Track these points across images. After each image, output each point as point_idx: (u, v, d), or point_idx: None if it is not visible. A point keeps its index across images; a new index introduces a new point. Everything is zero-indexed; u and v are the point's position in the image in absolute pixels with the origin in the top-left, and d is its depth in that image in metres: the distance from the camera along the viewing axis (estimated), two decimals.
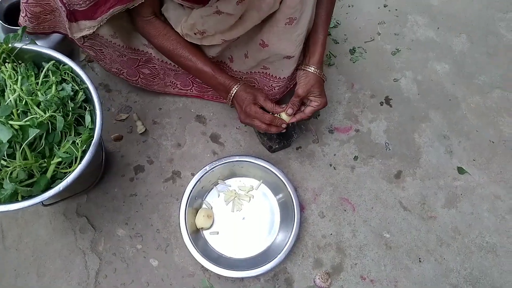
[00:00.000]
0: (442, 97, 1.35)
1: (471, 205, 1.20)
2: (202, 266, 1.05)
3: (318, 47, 0.99)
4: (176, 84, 1.21)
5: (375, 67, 1.38)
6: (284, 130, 1.01)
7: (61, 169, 0.84)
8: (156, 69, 1.14)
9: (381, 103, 1.32)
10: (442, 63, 1.41)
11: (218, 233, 1.10)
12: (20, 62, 0.88)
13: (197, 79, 1.18)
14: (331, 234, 1.13)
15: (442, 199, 1.20)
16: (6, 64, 0.85)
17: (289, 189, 1.09)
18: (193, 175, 1.15)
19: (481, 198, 1.21)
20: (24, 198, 0.79)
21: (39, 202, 0.81)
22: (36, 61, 0.90)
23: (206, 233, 1.10)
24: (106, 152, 1.14)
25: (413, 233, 1.15)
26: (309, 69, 1.00)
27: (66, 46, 1.21)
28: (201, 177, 1.09)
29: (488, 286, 1.10)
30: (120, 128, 1.21)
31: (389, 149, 1.25)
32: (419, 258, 1.12)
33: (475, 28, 1.48)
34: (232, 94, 1.00)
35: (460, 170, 1.24)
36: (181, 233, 1.03)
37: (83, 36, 0.96)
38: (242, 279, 1.06)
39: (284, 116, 1.01)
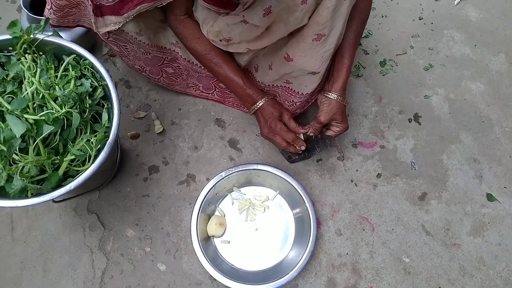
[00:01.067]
0: (475, 118, 1.28)
1: (499, 235, 1.12)
2: (210, 276, 1.01)
3: (343, 73, 0.96)
4: (199, 86, 1.18)
5: (405, 82, 1.31)
6: (300, 151, 1.00)
7: (74, 166, 0.81)
8: (180, 69, 1.11)
9: (410, 120, 1.25)
10: (477, 83, 1.33)
11: (229, 242, 1.06)
12: (40, 53, 0.86)
13: (220, 84, 1.15)
14: (347, 254, 1.08)
15: (468, 226, 1.13)
16: (26, 55, 0.83)
17: (306, 203, 1.04)
18: (208, 180, 1.11)
19: (511, 229, 1.13)
20: (33, 195, 0.76)
21: (49, 200, 0.78)
22: (57, 54, 0.88)
23: (217, 241, 1.06)
24: (121, 149, 1.12)
25: (435, 259, 1.08)
26: (331, 96, 0.97)
27: (89, 39, 1.19)
28: (216, 183, 1.06)
29: None
30: (138, 126, 1.18)
31: (415, 169, 1.19)
32: (439, 287, 1.06)
33: None
34: (258, 106, 0.99)
35: (490, 197, 1.17)
36: (191, 239, 1.00)
37: (108, 32, 0.94)
38: None
39: (303, 137, 1.00)
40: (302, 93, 1.00)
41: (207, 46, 0.95)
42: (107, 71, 0.86)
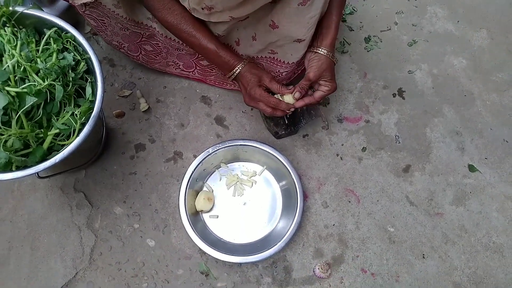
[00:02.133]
0: (457, 93, 1.30)
1: (480, 204, 1.16)
2: (200, 249, 1.03)
3: (332, 30, 0.94)
4: (179, 65, 1.16)
5: (389, 58, 1.33)
6: (290, 113, 0.97)
7: (59, 141, 0.81)
8: (159, 46, 1.10)
9: (394, 95, 1.27)
10: (459, 58, 1.36)
11: (218, 216, 1.07)
12: (21, 27, 0.85)
13: (201, 62, 1.14)
14: (333, 225, 1.10)
15: (451, 196, 1.16)
16: (5, 28, 0.81)
17: (293, 177, 1.05)
18: (195, 156, 1.11)
19: (491, 198, 1.17)
20: (18, 169, 0.76)
21: (34, 173, 0.78)
22: (38, 28, 0.86)
23: (205, 216, 1.07)
24: (107, 128, 1.11)
25: (418, 228, 1.11)
26: (321, 52, 0.94)
27: (72, 16, 1.17)
28: (203, 159, 1.06)
29: (492, 286, 1.07)
30: (123, 104, 1.17)
31: (399, 142, 1.21)
32: (423, 254, 1.09)
33: (496, 24, 1.43)
34: (235, 73, 0.96)
35: (471, 168, 1.20)
36: (180, 215, 1.01)
37: (84, 4, 0.92)
38: (240, 264, 1.04)
39: (290, 99, 0.96)
40: (288, 62, 1.00)
41: (178, 16, 0.92)
42: (90, 44, 0.84)
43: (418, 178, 1.17)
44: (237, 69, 0.96)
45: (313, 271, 1.05)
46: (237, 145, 1.09)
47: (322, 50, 0.94)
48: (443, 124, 1.24)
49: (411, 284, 1.06)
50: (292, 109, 0.97)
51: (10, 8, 0.80)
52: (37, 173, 0.85)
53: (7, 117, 0.74)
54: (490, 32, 1.40)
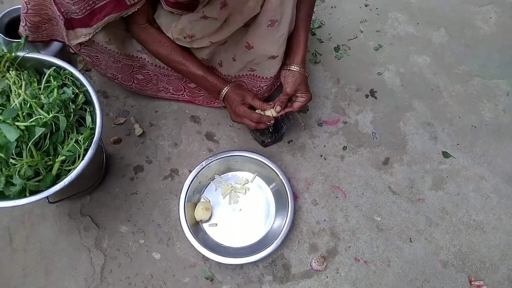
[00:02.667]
0: (425, 87, 1.42)
1: (457, 187, 1.25)
2: (203, 256, 1.10)
3: (301, 47, 1.07)
4: (169, 89, 1.27)
5: (359, 63, 1.44)
6: (271, 125, 1.08)
7: (65, 167, 0.90)
8: (150, 74, 1.21)
9: (367, 96, 1.38)
10: (423, 56, 1.48)
11: (216, 224, 1.15)
12: (23, 69, 0.94)
13: (189, 84, 1.25)
14: (324, 220, 1.18)
15: (429, 182, 1.25)
16: (10, 71, 0.91)
17: (282, 179, 1.14)
18: (190, 171, 1.20)
19: (466, 180, 1.27)
20: (32, 194, 0.84)
21: (46, 197, 0.86)
22: (38, 68, 0.96)
23: (205, 226, 1.15)
24: (106, 154, 1.20)
25: (403, 215, 1.20)
26: (293, 69, 1.07)
27: (64, 56, 1.27)
28: (198, 173, 1.15)
29: (476, 260, 1.16)
30: (119, 131, 1.26)
31: (376, 138, 1.31)
32: (410, 238, 1.17)
33: (453, 22, 1.56)
34: (223, 95, 1.08)
35: (445, 154, 1.30)
36: (181, 227, 1.08)
37: (79, 43, 1.03)
38: (241, 266, 1.11)
39: (272, 112, 1.07)
40: (267, 77, 1.11)
41: (169, 47, 1.03)
42: (86, 78, 0.94)
43: (397, 169, 1.27)
44: (224, 91, 1.07)
45: (310, 265, 1.13)
46: (228, 156, 1.18)
47: (295, 67, 1.07)
48: (415, 117, 1.35)
49: (402, 267, 1.14)
50: (273, 121, 1.08)
51: (13, 54, 0.90)
52: (48, 198, 0.94)
53: (19, 149, 0.83)
54: (448, 29, 1.54)
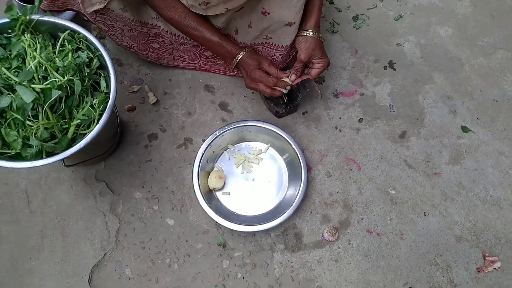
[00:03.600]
0: (445, 60, 1.37)
1: (475, 162, 1.23)
2: (216, 224, 1.11)
3: (314, 12, 1.03)
4: (184, 58, 1.26)
5: (378, 33, 1.40)
6: (286, 91, 1.06)
7: (80, 131, 0.90)
8: (165, 43, 1.19)
9: (385, 67, 1.35)
10: (445, 27, 1.42)
11: (230, 193, 1.16)
12: (37, 33, 0.94)
13: (204, 53, 1.23)
14: (337, 192, 1.18)
15: (446, 157, 1.23)
16: (25, 34, 0.90)
17: (296, 150, 1.13)
18: (203, 141, 1.20)
19: (485, 155, 1.24)
20: (48, 156, 0.85)
21: (62, 160, 0.87)
22: (52, 32, 0.96)
23: (218, 194, 1.16)
24: (120, 121, 1.20)
25: (418, 189, 1.19)
26: (307, 34, 1.04)
27: (77, 23, 1.26)
28: (211, 142, 1.15)
29: (491, 236, 1.14)
30: (133, 99, 1.27)
31: (393, 111, 1.28)
32: (424, 212, 1.16)
33: None
34: (237, 60, 1.05)
35: (464, 129, 1.27)
36: (195, 194, 1.09)
37: (95, 11, 1.02)
38: (253, 234, 1.12)
39: (287, 82, 1.05)
40: (282, 46, 1.09)
41: (182, 13, 1.01)
42: (100, 42, 0.94)
43: (414, 143, 1.24)
44: (239, 56, 1.05)
45: (322, 236, 1.13)
46: (242, 126, 1.17)
47: (308, 32, 1.03)
48: (434, 90, 1.31)
49: (415, 241, 1.14)
50: (289, 87, 1.05)
51: (28, 17, 0.90)
52: (63, 161, 0.95)
53: (35, 111, 0.83)
54: None
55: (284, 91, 1.05)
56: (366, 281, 1.10)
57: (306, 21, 1.04)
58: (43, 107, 0.83)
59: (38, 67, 0.86)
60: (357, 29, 1.40)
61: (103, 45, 0.94)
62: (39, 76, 0.85)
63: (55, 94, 0.81)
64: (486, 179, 1.21)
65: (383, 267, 1.11)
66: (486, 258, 1.11)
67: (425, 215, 1.16)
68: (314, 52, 1.04)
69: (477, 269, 1.11)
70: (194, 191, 1.10)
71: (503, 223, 1.16)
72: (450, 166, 1.22)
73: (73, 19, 1.22)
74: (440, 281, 1.10)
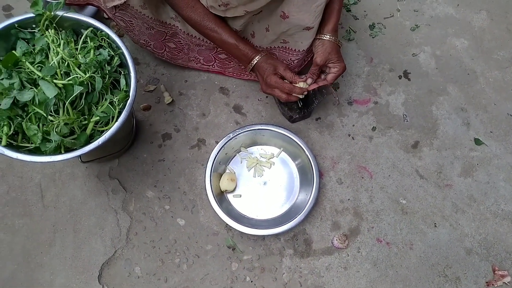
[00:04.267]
0: (461, 72, 1.37)
1: (487, 175, 1.22)
2: (226, 226, 1.12)
3: (333, 16, 1.03)
4: (199, 60, 1.26)
5: (394, 43, 1.40)
6: (303, 97, 1.06)
7: (99, 128, 0.91)
8: (181, 43, 1.20)
9: (400, 77, 1.35)
10: (461, 39, 1.43)
11: (241, 196, 1.16)
12: (61, 29, 0.95)
13: (219, 55, 1.24)
14: (348, 199, 1.18)
15: (458, 169, 1.23)
16: (48, 30, 0.92)
17: (309, 156, 1.13)
18: (217, 142, 1.20)
19: (498, 168, 1.23)
20: (67, 151, 0.86)
21: (79, 156, 0.88)
22: (75, 29, 0.97)
23: (229, 196, 1.16)
24: (136, 120, 1.21)
25: (429, 200, 1.19)
26: (324, 37, 1.04)
27: (98, 20, 1.27)
28: (225, 144, 1.15)
29: (502, 250, 1.14)
30: (149, 98, 1.27)
31: (407, 121, 1.28)
32: (435, 223, 1.16)
33: (495, 5, 1.49)
34: (253, 64, 1.06)
35: (477, 142, 1.26)
36: (206, 195, 1.10)
37: (114, 6, 1.03)
38: (263, 238, 1.12)
39: (303, 86, 1.05)
40: (299, 50, 1.09)
41: (201, 13, 1.02)
42: (122, 41, 0.95)
43: (426, 153, 1.24)
44: (255, 60, 1.05)
45: (332, 242, 1.13)
46: (255, 129, 1.18)
47: (325, 35, 1.03)
48: (448, 101, 1.31)
49: (425, 251, 1.13)
50: (305, 93, 1.05)
51: (52, 13, 0.91)
52: (80, 157, 0.96)
53: (56, 106, 0.84)
54: (490, 13, 1.47)
55: (301, 96, 1.06)
56: None
57: (324, 24, 1.04)
58: (65, 102, 0.84)
59: (60, 63, 0.88)
60: (373, 37, 1.41)
61: (124, 43, 0.95)
62: (62, 72, 0.86)
63: (77, 90, 0.82)
64: (497, 192, 1.21)
65: (392, 276, 1.11)
66: (496, 272, 1.11)
67: (435, 226, 1.16)
68: (330, 56, 1.04)
69: (486, 282, 1.11)
70: (206, 192, 1.10)
71: None
72: (462, 178, 1.22)
73: (94, 16, 1.24)
74: None
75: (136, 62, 1.32)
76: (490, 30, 1.44)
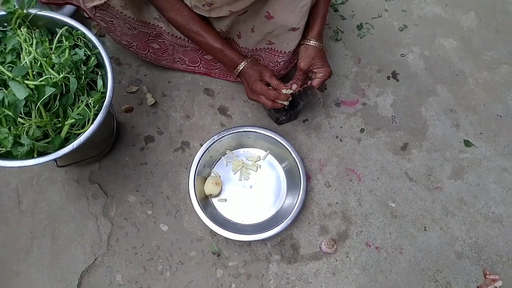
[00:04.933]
0: (449, 72, 1.35)
1: (477, 177, 1.20)
2: (211, 231, 1.08)
3: (318, 21, 1.02)
4: (185, 61, 1.23)
5: (382, 43, 1.38)
6: (288, 103, 1.05)
7: (75, 130, 0.87)
8: (166, 44, 1.17)
9: (388, 78, 1.33)
10: (449, 39, 1.41)
11: (226, 200, 1.13)
12: (34, 28, 0.91)
13: (205, 56, 1.21)
14: (336, 203, 1.15)
15: (448, 171, 1.21)
16: (21, 28, 0.88)
17: (296, 159, 1.10)
18: (201, 145, 1.17)
19: (488, 170, 1.21)
20: (39, 155, 0.82)
21: (54, 160, 0.84)
22: (50, 28, 0.93)
23: (214, 201, 1.13)
24: (117, 122, 1.17)
25: (419, 203, 1.16)
26: (308, 43, 1.03)
27: (77, 20, 1.23)
28: (209, 146, 1.12)
29: (493, 254, 1.11)
30: (131, 100, 1.24)
31: (396, 122, 1.26)
32: (425, 227, 1.13)
33: (483, 5, 1.48)
34: (239, 70, 1.04)
35: (467, 143, 1.24)
36: (190, 200, 1.06)
37: (95, 6, 0.99)
38: (249, 243, 1.09)
39: (289, 92, 1.04)
40: (285, 52, 1.06)
41: (186, 16, 0.99)
42: (99, 40, 0.91)
43: (416, 155, 1.22)
44: (241, 66, 1.03)
45: (320, 247, 1.10)
46: (241, 131, 1.15)
47: (309, 41, 1.02)
48: (437, 102, 1.29)
49: (414, 256, 1.11)
50: (290, 98, 1.04)
51: (25, 11, 0.87)
52: (56, 161, 0.92)
53: (28, 108, 0.80)
54: (478, 13, 1.46)
55: (285, 103, 1.04)
56: None
57: (309, 30, 1.03)
58: (37, 104, 0.81)
59: (33, 63, 0.84)
60: (361, 37, 1.38)
61: (102, 43, 0.91)
62: (34, 72, 0.83)
63: (49, 91, 0.79)
64: (488, 195, 1.18)
65: (381, 282, 1.08)
66: (487, 276, 1.09)
67: (425, 229, 1.13)
68: (314, 61, 1.02)
69: (477, 287, 1.08)
70: (190, 196, 1.06)
71: (505, 241, 1.13)
72: (451, 181, 1.20)
73: (73, 16, 1.20)
74: None
75: (117, 62, 1.28)
76: (478, 31, 1.43)
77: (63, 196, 1.11)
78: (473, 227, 1.14)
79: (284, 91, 1.03)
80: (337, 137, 1.23)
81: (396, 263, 1.10)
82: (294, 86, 1.04)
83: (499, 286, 1.08)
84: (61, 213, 1.10)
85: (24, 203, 1.10)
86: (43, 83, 0.80)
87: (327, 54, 1.04)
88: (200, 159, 1.10)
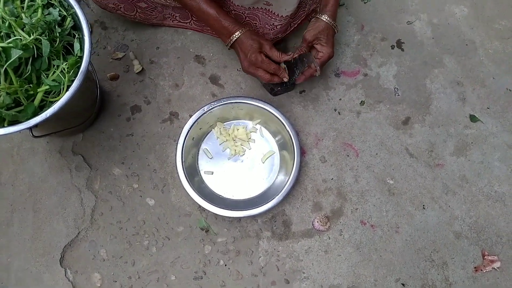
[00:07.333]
0: (458, 42, 1.26)
1: (481, 154, 1.14)
2: (199, 207, 1.04)
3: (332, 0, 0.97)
4: (175, 16, 1.15)
5: (387, 9, 1.28)
6: (287, 79, 0.99)
7: (50, 98, 0.81)
8: (153, 1, 1.08)
9: (392, 47, 1.24)
10: (461, 6, 1.31)
11: (212, 173, 1.08)
12: None
13: None
14: (332, 179, 1.10)
15: (451, 147, 1.14)
16: None
17: (290, 132, 1.04)
18: (190, 116, 1.10)
19: (493, 147, 1.15)
20: (11, 124, 0.76)
21: (29, 130, 0.78)
22: None
23: (202, 174, 1.08)
24: (102, 91, 1.11)
25: (418, 180, 1.11)
26: (320, 16, 0.97)
27: None
28: (199, 118, 1.05)
29: (493, 234, 1.07)
30: (116, 67, 1.16)
31: (398, 95, 1.19)
32: (423, 205, 1.09)
33: None
34: (235, 38, 0.95)
35: (473, 118, 1.17)
36: (178, 174, 1.01)
37: None
38: (239, 219, 1.04)
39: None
40: (282, 16, 0.99)
41: None
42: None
43: (418, 130, 1.15)
44: (237, 35, 0.95)
45: (312, 224, 1.06)
46: (233, 102, 1.08)
47: (321, 15, 0.97)
48: (444, 74, 1.21)
49: (411, 235, 1.07)
50: (287, 78, 0.98)
51: None
52: (31, 131, 0.86)
53: None
54: None
55: (285, 79, 0.98)
56: (356, 275, 1.03)
57: (323, 6, 0.98)
58: (6, 69, 0.74)
59: (0, 23, 0.76)
60: (365, 2, 1.28)
61: (78, 2, 0.83)
62: (1, 34, 0.75)
63: (16, 53, 0.71)
64: (491, 173, 1.13)
65: (375, 261, 1.04)
66: (485, 257, 1.05)
67: (423, 208, 1.08)
68: (320, 35, 0.97)
69: (474, 268, 1.05)
70: (177, 170, 1.01)
71: (506, 221, 1.08)
72: (454, 158, 1.13)
73: None
74: (434, 279, 1.03)
75: (103, 26, 1.20)
76: None
77: (44, 167, 1.06)
78: (474, 206, 1.09)
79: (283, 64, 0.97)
80: (335, 109, 1.16)
81: (392, 242, 1.06)
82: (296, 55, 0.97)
83: (497, 267, 1.04)
84: (43, 185, 1.05)
85: (4, 174, 1.05)
86: (11, 45, 0.73)
87: (337, 34, 0.98)
88: (189, 131, 1.04)
